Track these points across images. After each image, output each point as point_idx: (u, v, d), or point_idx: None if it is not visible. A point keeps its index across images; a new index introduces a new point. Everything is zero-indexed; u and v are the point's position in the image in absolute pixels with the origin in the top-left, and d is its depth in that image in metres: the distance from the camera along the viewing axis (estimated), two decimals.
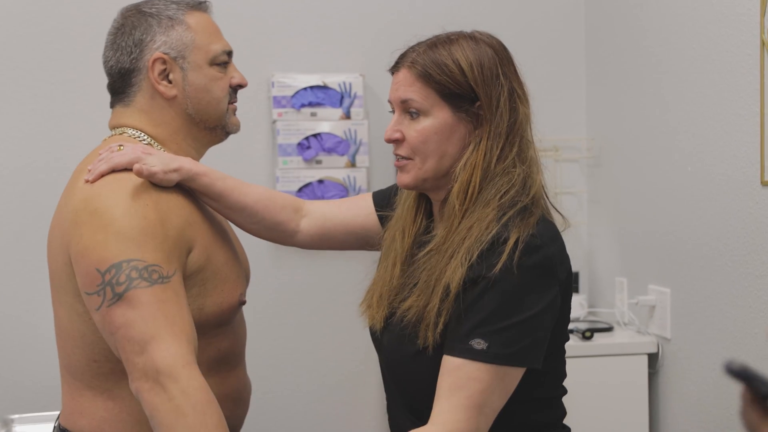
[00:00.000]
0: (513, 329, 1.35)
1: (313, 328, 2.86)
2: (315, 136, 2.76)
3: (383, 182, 2.80)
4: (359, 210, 1.70)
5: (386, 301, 1.51)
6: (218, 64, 1.58)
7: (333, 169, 2.78)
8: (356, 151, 2.78)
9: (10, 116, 2.64)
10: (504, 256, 1.34)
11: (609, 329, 2.64)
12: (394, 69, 1.47)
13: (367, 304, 1.56)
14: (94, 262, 1.37)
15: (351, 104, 2.78)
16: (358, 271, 2.69)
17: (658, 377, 2.50)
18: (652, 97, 2.51)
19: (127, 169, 1.46)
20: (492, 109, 1.42)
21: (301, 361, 2.85)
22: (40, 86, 2.65)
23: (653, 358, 2.51)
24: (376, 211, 1.69)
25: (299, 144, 2.75)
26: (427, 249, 1.45)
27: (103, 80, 1.63)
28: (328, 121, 2.77)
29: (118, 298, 1.36)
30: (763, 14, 1.96)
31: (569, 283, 1.46)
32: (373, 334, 1.55)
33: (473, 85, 1.42)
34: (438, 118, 1.43)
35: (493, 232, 1.37)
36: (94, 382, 1.47)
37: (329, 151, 2.77)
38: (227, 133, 1.64)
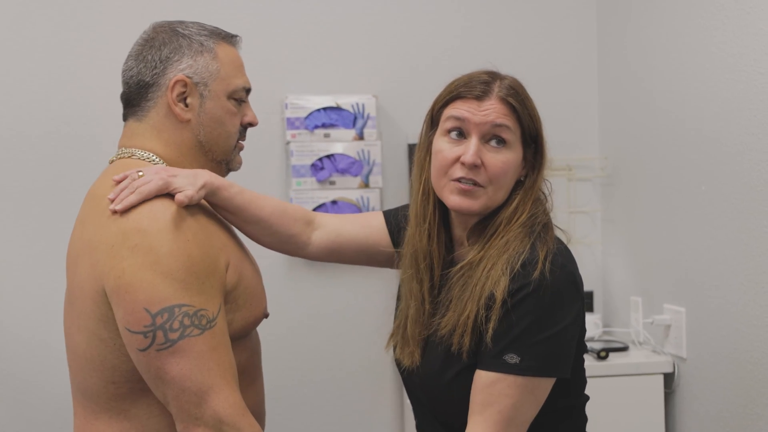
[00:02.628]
0: (545, 342, 1.42)
1: (325, 341, 2.87)
2: (328, 157, 2.77)
3: (396, 202, 2.81)
4: (372, 229, 1.73)
5: (420, 336, 1.56)
6: (235, 99, 1.60)
7: (346, 189, 2.79)
8: (369, 172, 2.79)
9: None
10: (537, 272, 1.42)
11: (624, 349, 2.62)
12: (479, 96, 1.50)
13: (400, 345, 1.61)
14: (142, 302, 1.38)
15: (364, 125, 2.79)
16: (370, 284, 2.70)
17: (674, 397, 2.48)
18: (664, 116, 2.51)
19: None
20: (543, 154, 1.56)
21: (312, 376, 2.85)
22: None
23: (669, 378, 2.50)
24: (389, 234, 1.73)
25: (313, 165, 2.77)
26: (461, 264, 1.51)
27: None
28: (341, 142, 2.78)
29: (171, 344, 1.38)
30: None
31: (584, 296, 1.54)
32: (409, 370, 1.58)
33: (539, 134, 1.55)
34: (517, 153, 1.52)
35: (528, 247, 1.46)
36: (111, 403, 1.48)
37: (342, 171, 2.78)
38: (229, 170, 1.65)
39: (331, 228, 1.73)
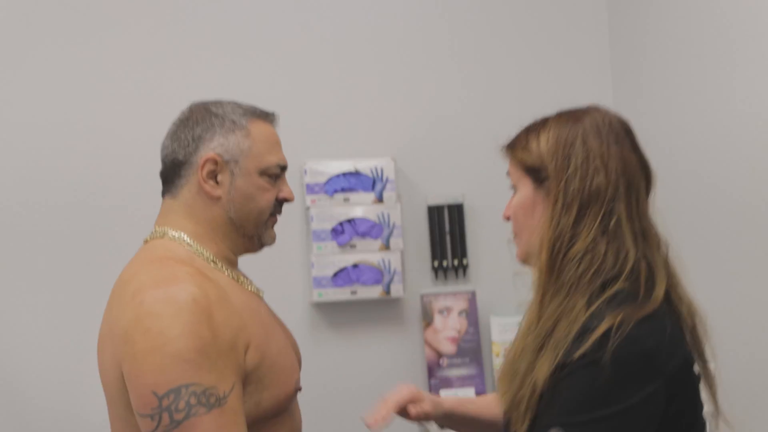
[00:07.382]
0: (595, 424, 1.23)
1: (350, 405, 2.83)
2: (348, 221, 2.78)
3: (418, 264, 2.81)
4: None
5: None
6: (269, 175, 1.61)
7: (367, 252, 2.79)
8: (390, 234, 2.80)
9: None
10: (588, 345, 1.23)
11: None
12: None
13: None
14: (150, 385, 1.37)
15: (383, 188, 2.80)
16: (393, 345, 2.62)
17: None
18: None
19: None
20: (558, 181, 1.34)
21: None
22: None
23: None
24: None
25: (333, 229, 2.77)
26: (517, 334, 1.41)
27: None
28: (360, 206, 2.79)
29: (176, 425, 1.36)
30: None
31: (687, 373, 1.32)
32: None
33: (544, 157, 1.37)
34: (522, 192, 1.42)
35: (580, 323, 1.26)
36: None
37: (363, 235, 2.78)
38: (262, 245, 1.66)
39: None
